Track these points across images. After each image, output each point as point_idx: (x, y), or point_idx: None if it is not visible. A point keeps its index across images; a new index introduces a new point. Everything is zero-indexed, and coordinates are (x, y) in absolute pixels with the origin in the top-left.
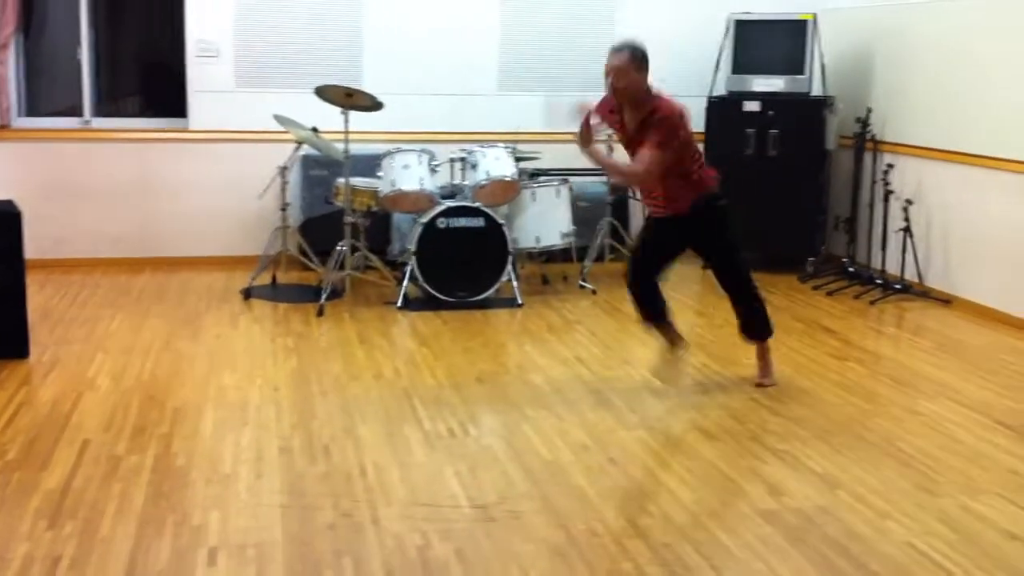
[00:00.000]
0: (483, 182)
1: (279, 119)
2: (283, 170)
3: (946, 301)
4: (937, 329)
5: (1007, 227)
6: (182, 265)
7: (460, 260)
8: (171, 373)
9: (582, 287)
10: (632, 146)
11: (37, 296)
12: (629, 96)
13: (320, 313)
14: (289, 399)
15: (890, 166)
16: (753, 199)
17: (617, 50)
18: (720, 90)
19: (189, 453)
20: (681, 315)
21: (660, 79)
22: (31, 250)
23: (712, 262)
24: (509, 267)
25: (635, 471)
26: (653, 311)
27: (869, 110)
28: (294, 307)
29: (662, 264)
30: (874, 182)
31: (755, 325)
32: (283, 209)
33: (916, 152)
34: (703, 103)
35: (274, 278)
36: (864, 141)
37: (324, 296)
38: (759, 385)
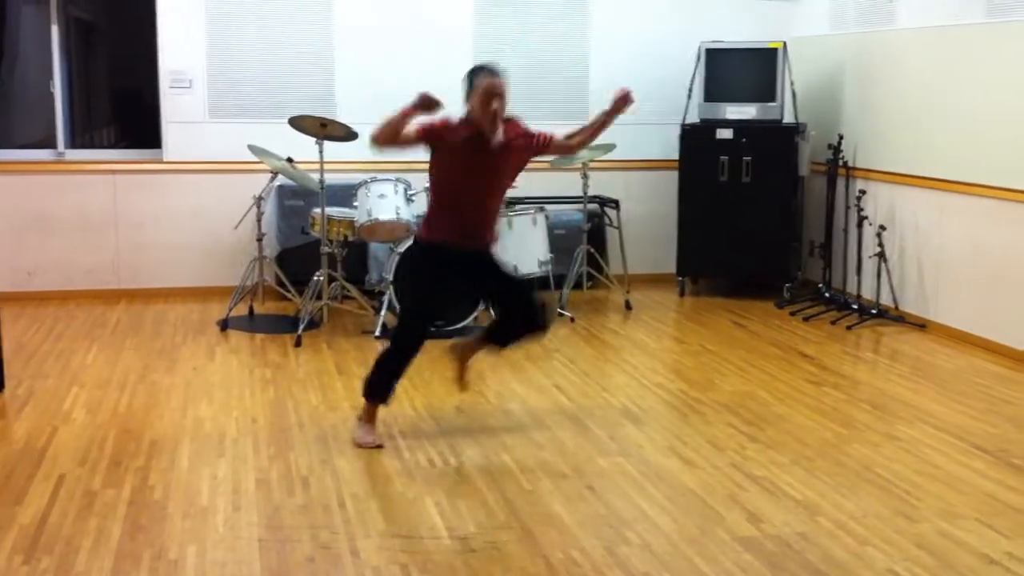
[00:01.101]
0: None
1: (254, 149)
2: (258, 200)
3: (921, 326)
4: (913, 354)
5: (979, 251)
6: (157, 296)
7: None
8: (147, 406)
9: (560, 315)
10: (494, 163)
11: (11, 329)
12: (500, 117)
13: (298, 344)
14: (267, 431)
15: (863, 192)
16: (728, 226)
17: (496, 72)
18: (693, 118)
19: (166, 486)
20: (658, 341)
21: (633, 108)
22: (5, 283)
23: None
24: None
25: (614, 499)
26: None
27: (840, 137)
28: (271, 338)
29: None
30: (847, 208)
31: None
32: (259, 239)
33: (888, 178)
34: (676, 131)
35: (251, 309)
36: (836, 167)
37: (302, 326)
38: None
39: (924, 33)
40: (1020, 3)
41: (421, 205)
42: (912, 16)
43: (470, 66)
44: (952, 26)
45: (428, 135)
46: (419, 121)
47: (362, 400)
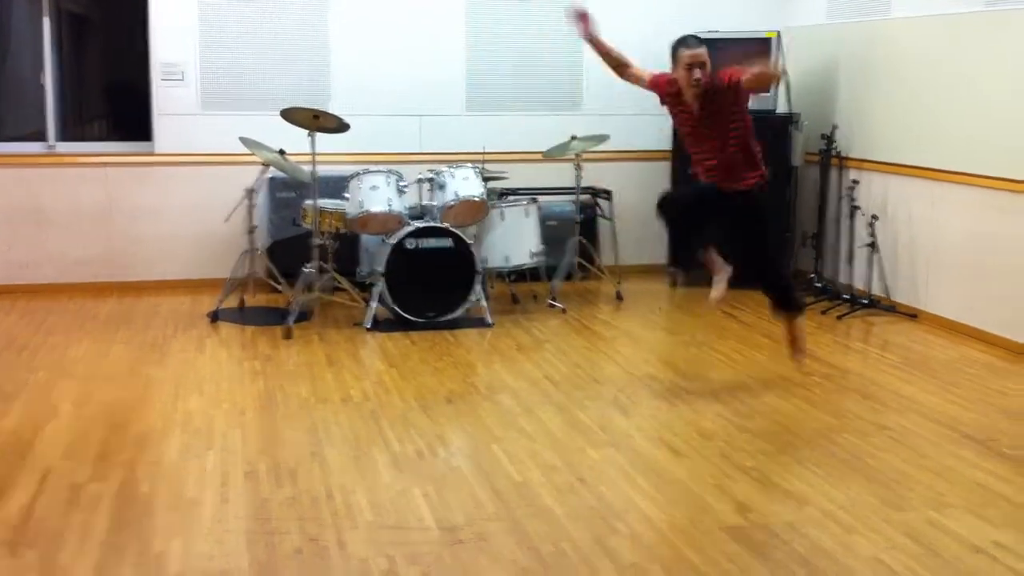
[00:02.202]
0: (451, 202)
1: (245, 142)
2: (250, 193)
3: (912, 315)
4: (904, 343)
5: (970, 241)
6: (148, 289)
7: (429, 280)
8: (136, 398)
9: (551, 306)
10: (703, 125)
11: (2, 322)
12: (705, 86)
13: (288, 336)
14: (256, 423)
15: (855, 182)
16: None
17: (697, 42)
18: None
19: (153, 479)
20: (650, 332)
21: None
22: None
23: (748, 245)
24: (478, 287)
25: (604, 490)
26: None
27: (834, 127)
28: (262, 330)
29: (704, 222)
30: (840, 198)
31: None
32: (250, 232)
33: (881, 168)
34: (670, 121)
35: (242, 301)
36: (830, 157)
37: (292, 319)
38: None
39: (920, 22)
40: None
41: (412, 196)
42: (909, 5)
43: (464, 58)
44: (949, 15)
45: (653, 87)
46: (652, 72)
47: None
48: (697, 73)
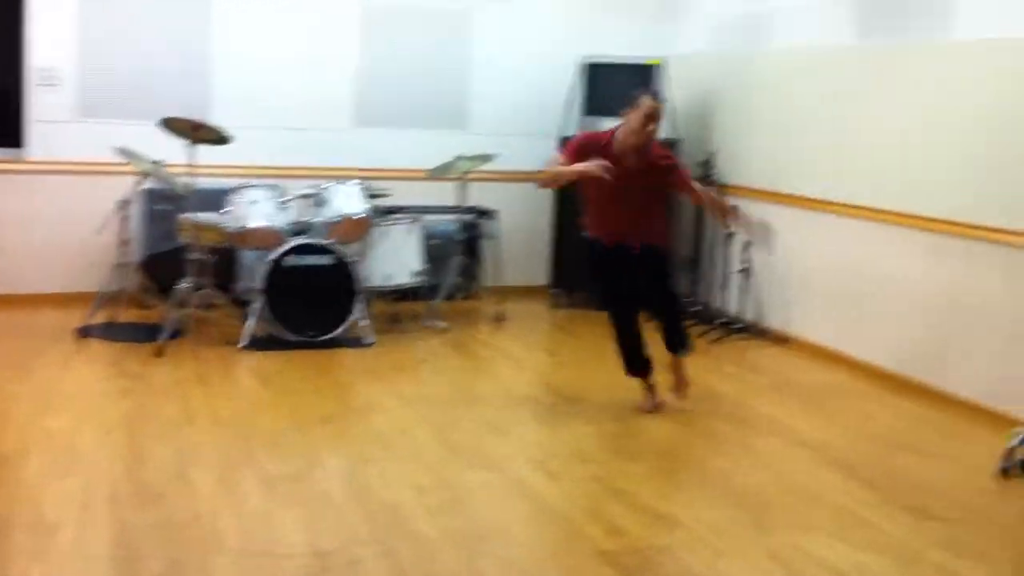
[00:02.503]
0: (334, 219)
1: (122, 151)
2: (124, 204)
3: (783, 340)
4: (774, 368)
5: (838, 268)
6: (14, 302)
7: (309, 298)
8: None
9: (433, 325)
10: (629, 181)
11: None
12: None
13: (160, 353)
14: (121, 443)
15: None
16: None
17: (660, 98)
18: (571, 131)
19: (10, 502)
20: (530, 353)
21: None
22: None
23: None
24: (359, 305)
25: (477, 512)
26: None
27: (713, 154)
28: (132, 347)
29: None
30: (716, 223)
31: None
32: (124, 245)
33: (756, 195)
34: (555, 143)
35: (113, 316)
36: (708, 183)
37: (165, 336)
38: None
39: (797, 53)
40: (890, 26)
41: (295, 212)
42: (786, 38)
43: (353, 73)
44: (825, 47)
45: (582, 149)
46: (569, 146)
47: None
48: (651, 127)
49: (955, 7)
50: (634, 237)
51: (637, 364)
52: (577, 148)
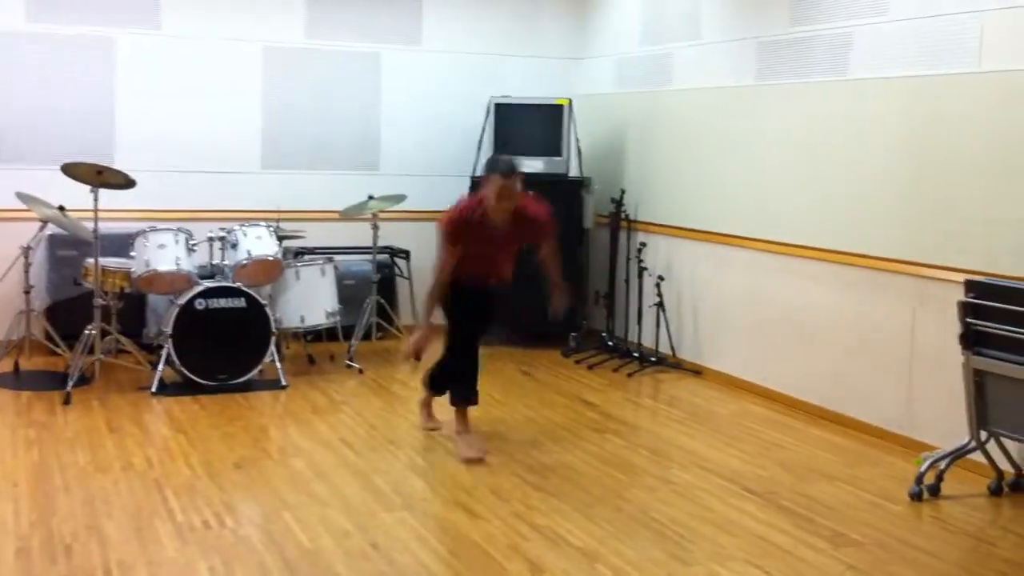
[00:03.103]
0: (244, 261)
1: (22, 197)
2: (26, 250)
3: (697, 372)
4: (689, 399)
5: (749, 301)
6: None
7: (220, 342)
8: None
9: (349, 366)
10: (497, 244)
11: None
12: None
13: (66, 401)
14: (28, 495)
15: (643, 244)
16: (515, 276)
17: (513, 170)
18: (483, 170)
19: None
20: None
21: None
22: None
23: (484, 328)
24: (272, 348)
25: (397, 555)
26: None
27: (623, 191)
28: (38, 395)
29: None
30: (629, 259)
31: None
32: (27, 292)
33: (666, 231)
34: (467, 182)
35: (16, 364)
36: (619, 220)
37: (71, 383)
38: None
39: (698, 93)
40: (785, 68)
41: (203, 255)
42: (689, 78)
43: (259, 115)
44: (724, 87)
45: (459, 227)
46: (449, 235)
47: None
48: (506, 203)
49: (852, 48)
50: (494, 278)
51: (471, 392)
52: (456, 232)
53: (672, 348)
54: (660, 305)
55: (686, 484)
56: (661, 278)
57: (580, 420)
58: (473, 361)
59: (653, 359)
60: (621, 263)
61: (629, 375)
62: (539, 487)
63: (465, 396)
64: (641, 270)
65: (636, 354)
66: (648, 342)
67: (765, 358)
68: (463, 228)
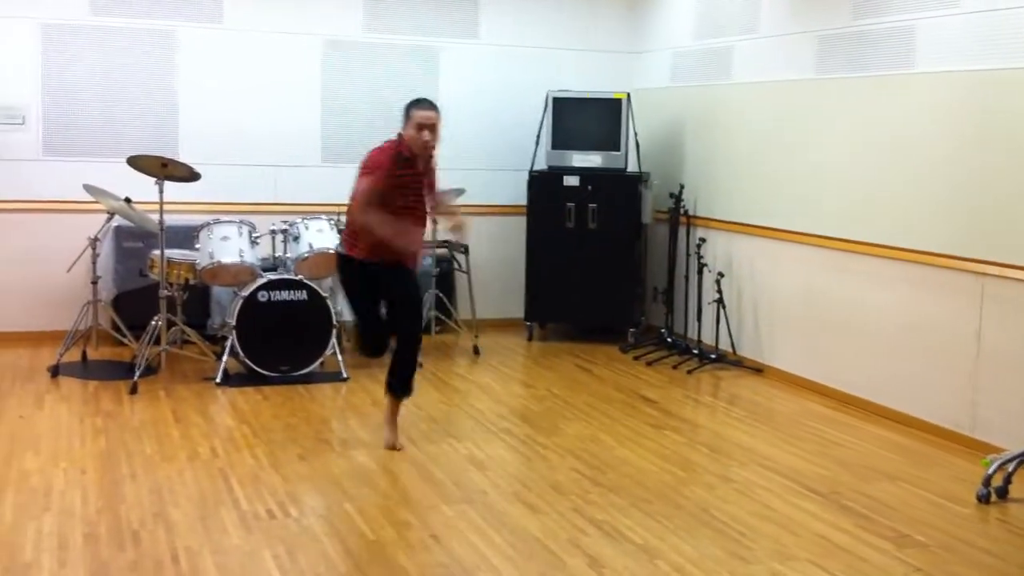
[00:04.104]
0: (305, 254)
1: (90, 189)
2: (94, 242)
3: (758, 370)
4: (749, 397)
5: (809, 298)
6: None
7: (282, 334)
8: None
9: None
10: (414, 187)
11: None
12: (431, 149)
13: (133, 391)
14: (96, 482)
15: (703, 240)
16: (574, 271)
17: (431, 104)
18: (541, 165)
19: None
20: (506, 386)
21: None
22: None
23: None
24: (333, 340)
25: (457, 547)
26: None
27: (682, 186)
28: (105, 385)
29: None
30: (688, 255)
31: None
32: (94, 283)
33: (725, 227)
34: (525, 177)
35: (84, 354)
36: (678, 216)
37: (138, 373)
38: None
39: (758, 88)
40: (846, 62)
41: (265, 248)
42: (747, 71)
43: (319, 109)
44: (784, 81)
45: (381, 163)
46: (370, 168)
47: None
48: (427, 135)
49: (915, 41)
50: (403, 252)
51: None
52: (379, 165)
53: (732, 345)
54: (720, 302)
55: (746, 482)
56: (721, 274)
57: (639, 416)
58: (383, 345)
59: (713, 356)
60: (680, 259)
61: (688, 372)
62: (598, 482)
63: (390, 384)
64: (701, 266)
65: (695, 351)
66: (708, 339)
67: (825, 356)
68: (386, 164)
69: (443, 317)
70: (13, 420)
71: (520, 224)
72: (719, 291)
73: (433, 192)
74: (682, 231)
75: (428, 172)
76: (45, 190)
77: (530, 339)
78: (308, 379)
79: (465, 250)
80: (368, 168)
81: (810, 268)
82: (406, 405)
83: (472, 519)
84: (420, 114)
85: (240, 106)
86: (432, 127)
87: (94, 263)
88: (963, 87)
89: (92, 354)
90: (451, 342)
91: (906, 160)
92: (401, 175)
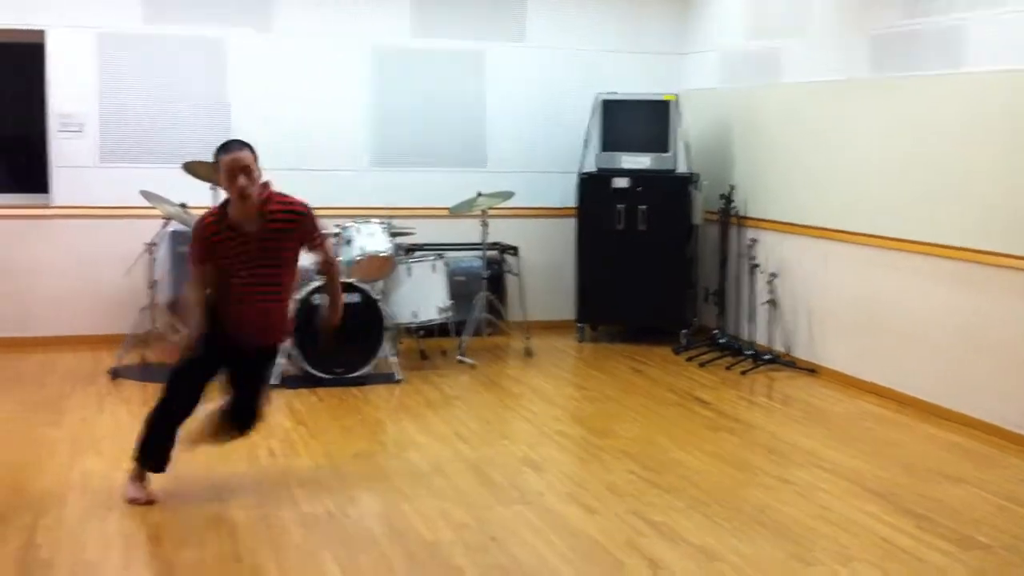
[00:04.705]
0: (358, 258)
1: (146, 195)
2: (151, 246)
3: (811, 371)
4: (804, 398)
5: (862, 297)
6: (44, 346)
7: (337, 336)
8: (32, 460)
9: (460, 362)
10: (253, 254)
11: None
12: (252, 197)
13: None
14: (158, 483)
15: (754, 240)
16: (624, 273)
17: (237, 146)
18: (590, 166)
19: (53, 544)
20: (558, 388)
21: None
22: None
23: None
24: (386, 343)
25: (516, 548)
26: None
27: (732, 187)
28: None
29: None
30: (739, 256)
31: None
32: (151, 286)
33: (776, 227)
34: (575, 179)
35: (143, 357)
36: (728, 217)
37: None
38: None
39: (809, 87)
40: (901, 60)
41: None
42: (798, 71)
43: (368, 111)
44: (837, 81)
45: (206, 252)
46: (195, 253)
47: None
48: (242, 180)
49: (967, 40)
50: (265, 332)
51: (162, 457)
52: (201, 247)
53: (786, 346)
54: (772, 302)
55: (805, 483)
56: (773, 275)
57: (694, 418)
58: (175, 416)
59: (766, 357)
60: (732, 260)
61: (742, 373)
62: (654, 484)
63: (156, 457)
64: (752, 267)
65: (749, 352)
66: (761, 340)
67: (881, 356)
68: (205, 239)
69: (494, 319)
70: (75, 422)
71: (569, 226)
72: (771, 292)
73: (326, 256)
74: (733, 232)
75: (280, 227)
76: (103, 196)
77: (581, 341)
78: (362, 381)
79: (515, 252)
80: (190, 253)
81: (863, 268)
82: (458, 406)
83: (529, 520)
84: (227, 159)
85: (290, 111)
86: (246, 169)
87: (151, 267)
88: (1015, 85)
89: (150, 357)
90: (502, 344)
91: (960, 159)
92: (230, 246)
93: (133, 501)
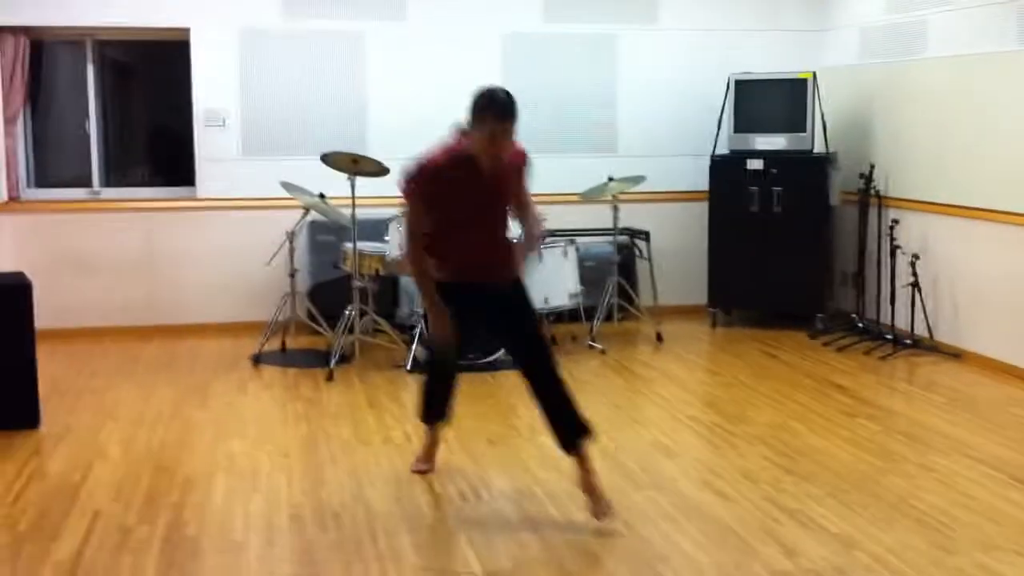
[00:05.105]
0: None
1: (286, 186)
2: (291, 236)
3: (956, 355)
4: (948, 384)
5: (1010, 280)
6: (190, 332)
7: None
8: (180, 441)
9: (591, 347)
10: (487, 200)
11: (47, 366)
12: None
13: (330, 378)
14: (299, 465)
15: (895, 221)
16: (759, 256)
17: (507, 113)
18: (723, 149)
19: (199, 522)
20: (690, 373)
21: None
22: (41, 320)
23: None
24: None
25: (649, 533)
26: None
27: (872, 166)
28: (303, 372)
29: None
30: (880, 237)
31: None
32: (291, 275)
33: (921, 207)
34: (707, 162)
35: (283, 344)
36: (868, 197)
37: (333, 361)
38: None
39: (954, 61)
40: None
41: None
42: (942, 45)
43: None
44: (984, 54)
45: (430, 176)
46: (414, 182)
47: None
48: (501, 149)
49: None
50: (492, 270)
51: (434, 411)
52: (424, 185)
53: (929, 330)
54: (915, 285)
55: (947, 471)
56: (916, 256)
57: (830, 404)
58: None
59: (908, 341)
60: (871, 241)
61: (882, 358)
62: (790, 471)
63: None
64: (894, 248)
65: (889, 336)
66: (902, 324)
67: None
68: (434, 183)
69: (625, 304)
70: (220, 406)
71: (701, 209)
72: (914, 274)
73: (527, 209)
74: (872, 212)
75: (509, 176)
76: (245, 188)
77: (714, 326)
78: (493, 367)
79: (646, 237)
80: (410, 191)
81: (1012, 248)
82: (589, 391)
83: (662, 506)
84: (498, 129)
85: (424, 101)
86: (509, 143)
87: (291, 257)
88: None
89: (290, 343)
90: (633, 329)
91: None
92: (462, 190)
93: (416, 471)
